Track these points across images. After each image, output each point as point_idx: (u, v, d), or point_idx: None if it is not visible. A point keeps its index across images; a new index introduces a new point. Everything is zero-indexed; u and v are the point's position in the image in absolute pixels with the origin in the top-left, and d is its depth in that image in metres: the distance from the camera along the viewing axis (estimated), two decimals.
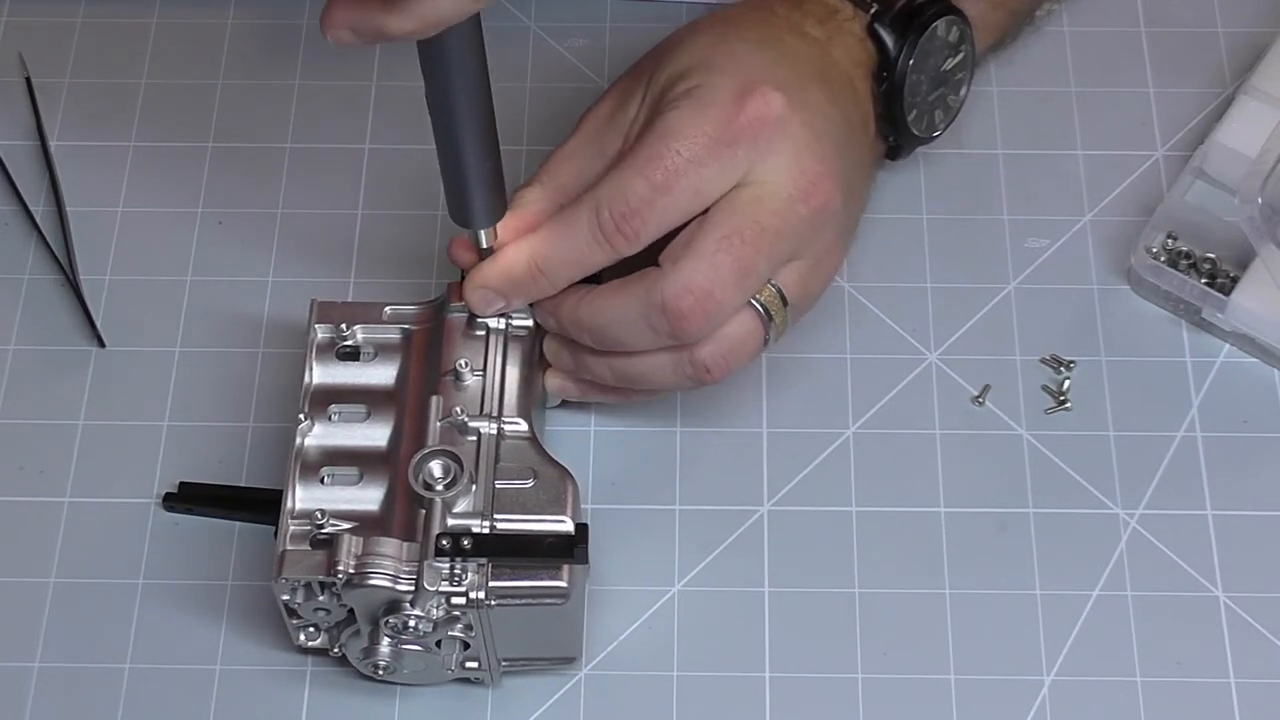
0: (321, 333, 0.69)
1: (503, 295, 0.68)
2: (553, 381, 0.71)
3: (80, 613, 0.71)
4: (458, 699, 0.69)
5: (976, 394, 0.75)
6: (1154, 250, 0.77)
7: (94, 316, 0.77)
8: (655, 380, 0.69)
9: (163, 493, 0.73)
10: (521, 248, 0.67)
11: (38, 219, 0.80)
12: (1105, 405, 0.75)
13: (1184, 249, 0.77)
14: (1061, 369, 0.75)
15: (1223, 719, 0.68)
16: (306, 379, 0.69)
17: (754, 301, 0.67)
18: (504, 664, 0.68)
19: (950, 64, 0.75)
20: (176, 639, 0.71)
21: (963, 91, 0.77)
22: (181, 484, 0.73)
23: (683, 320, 0.65)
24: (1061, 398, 0.75)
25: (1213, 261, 0.76)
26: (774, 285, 0.67)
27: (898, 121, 0.74)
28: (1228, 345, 0.76)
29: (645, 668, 0.70)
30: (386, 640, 0.65)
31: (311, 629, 0.67)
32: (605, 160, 0.68)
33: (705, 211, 0.66)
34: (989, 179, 0.80)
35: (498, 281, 0.67)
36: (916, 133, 0.75)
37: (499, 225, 0.67)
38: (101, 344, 0.77)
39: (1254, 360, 0.76)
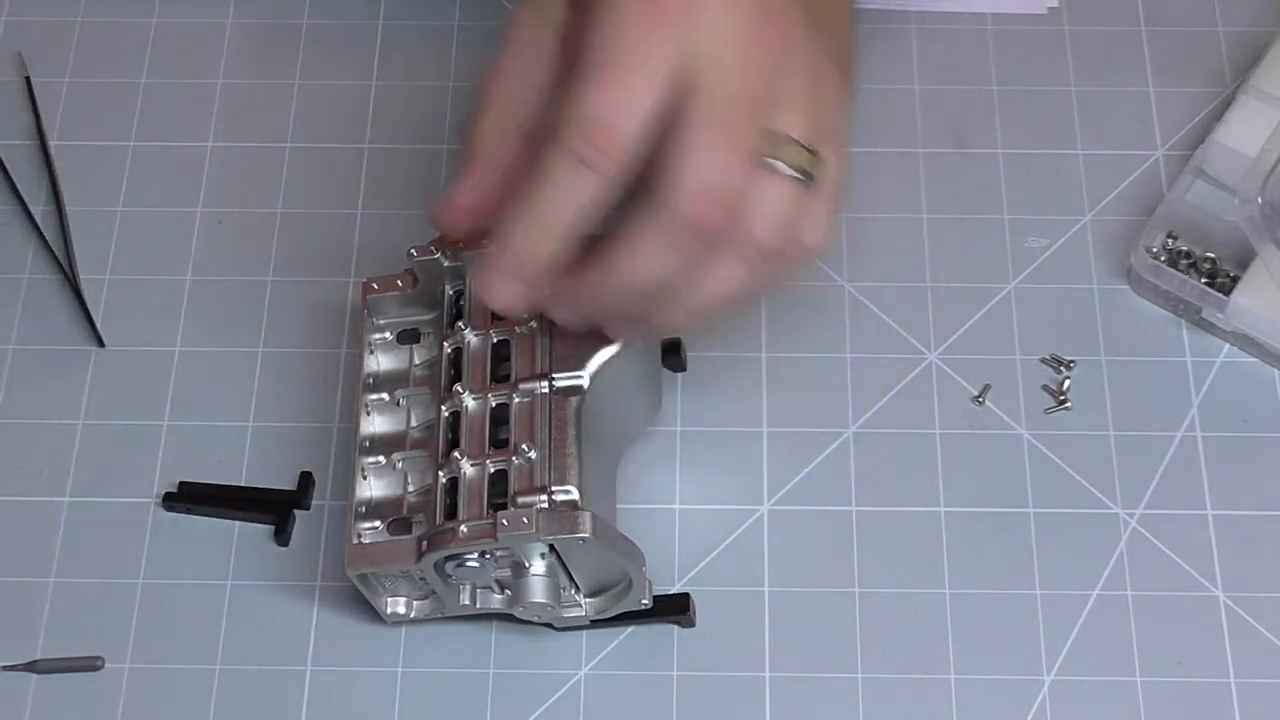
0: (375, 319, 0.70)
1: (517, 278, 0.62)
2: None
3: (80, 613, 0.71)
4: (458, 699, 0.69)
5: (976, 394, 0.75)
6: (1154, 250, 0.77)
7: (94, 316, 0.77)
8: (734, 291, 0.63)
9: (163, 493, 0.73)
10: (508, 222, 0.61)
11: (38, 219, 0.80)
12: (1105, 405, 0.75)
13: (1184, 249, 0.77)
14: (1061, 369, 0.75)
15: (1223, 719, 0.68)
16: (366, 368, 0.69)
17: (776, 164, 0.61)
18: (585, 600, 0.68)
19: None
20: (176, 639, 0.71)
21: None
22: (181, 484, 0.73)
23: (707, 225, 0.59)
24: (1061, 397, 0.75)
25: (1213, 261, 0.76)
26: (789, 139, 0.61)
27: None
28: (1228, 345, 0.76)
29: (645, 668, 0.70)
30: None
31: (402, 601, 0.68)
32: (546, 63, 0.63)
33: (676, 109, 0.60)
34: (989, 179, 0.80)
35: (503, 266, 0.62)
36: None
37: (473, 182, 0.64)
38: (101, 344, 0.77)
39: (1254, 360, 0.76)
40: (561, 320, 0.65)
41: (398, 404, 0.69)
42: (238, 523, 0.73)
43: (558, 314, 0.65)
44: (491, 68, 0.64)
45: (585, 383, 0.65)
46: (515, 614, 0.67)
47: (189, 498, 0.73)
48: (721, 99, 0.60)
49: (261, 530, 0.73)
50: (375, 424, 0.69)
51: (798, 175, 0.61)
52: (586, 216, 0.60)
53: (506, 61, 0.64)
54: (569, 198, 0.60)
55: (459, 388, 0.66)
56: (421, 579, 0.66)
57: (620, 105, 0.59)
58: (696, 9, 0.60)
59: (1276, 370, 0.75)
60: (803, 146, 0.61)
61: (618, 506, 0.71)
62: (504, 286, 0.62)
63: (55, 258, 0.79)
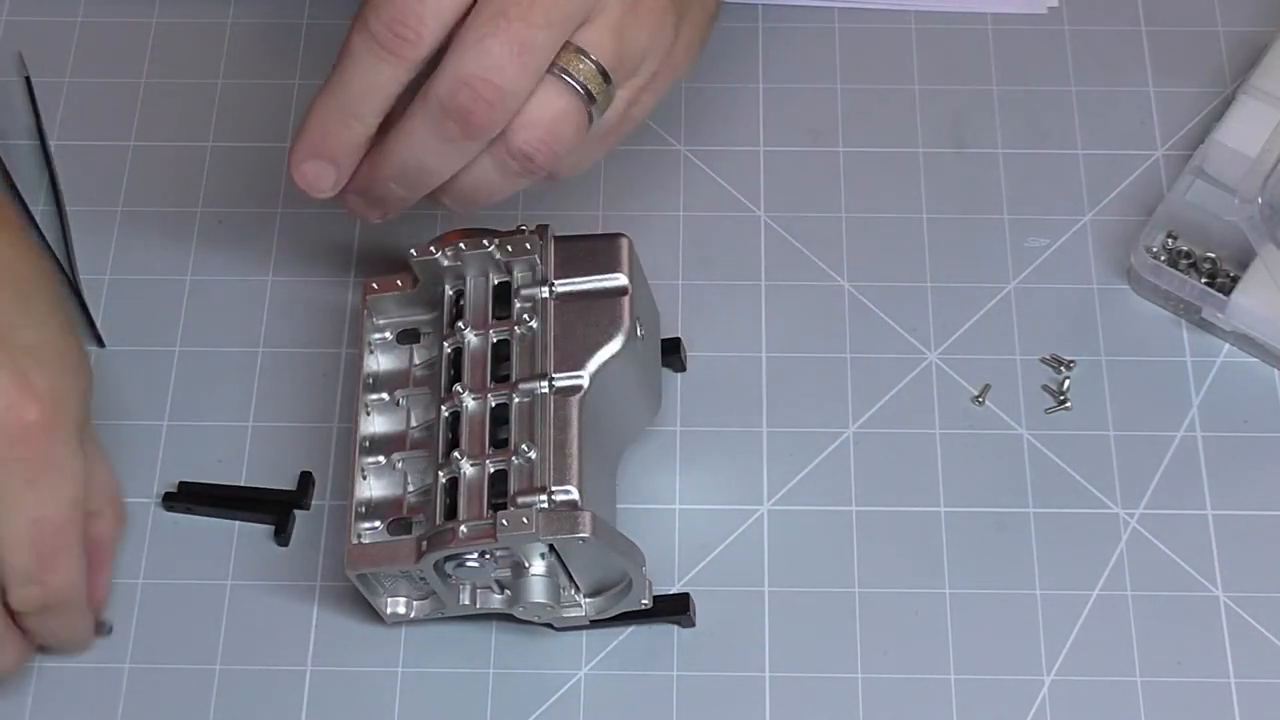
0: (374, 319, 0.70)
1: (326, 159, 0.64)
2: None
3: None
4: (458, 699, 0.69)
5: (976, 394, 0.75)
6: (1154, 250, 0.77)
7: (94, 316, 0.77)
8: (487, 189, 0.65)
9: (163, 493, 0.73)
10: (314, 104, 0.63)
11: (38, 219, 0.80)
12: (1105, 405, 0.75)
13: (1184, 249, 0.77)
14: (1061, 369, 0.75)
15: (1223, 719, 0.68)
16: (366, 368, 0.69)
17: (561, 75, 0.62)
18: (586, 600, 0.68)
19: None
20: (176, 639, 0.71)
21: None
22: (181, 484, 0.73)
23: (469, 116, 0.60)
24: (1061, 397, 0.75)
25: (1213, 261, 0.76)
26: (584, 54, 0.62)
27: None
28: (1228, 345, 0.76)
29: (645, 668, 0.70)
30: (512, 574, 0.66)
31: (402, 601, 0.68)
32: None
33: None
34: (989, 179, 0.80)
35: (310, 146, 0.63)
36: None
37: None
38: (101, 344, 0.77)
39: (1254, 360, 0.76)
40: (353, 209, 0.67)
41: (398, 404, 0.69)
42: (238, 523, 0.73)
43: (350, 203, 0.67)
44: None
45: (585, 383, 0.65)
46: (515, 614, 0.67)
47: (189, 498, 0.73)
48: None
49: (261, 530, 0.73)
50: (375, 424, 0.69)
51: (579, 92, 0.62)
52: (383, 100, 0.61)
53: None
54: (367, 81, 0.61)
55: (459, 388, 0.66)
56: (421, 579, 0.66)
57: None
58: None
59: (1276, 370, 0.75)
60: (598, 68, 0.62)
61: (618, 506, 0.71)
62: (308, 166, 0.64)
63: (55, 258, 0.79)
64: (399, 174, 0.64)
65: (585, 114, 0.63)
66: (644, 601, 0.67)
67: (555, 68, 0.62)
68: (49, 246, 0.79)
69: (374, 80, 0.61)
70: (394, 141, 0.63)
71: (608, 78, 0.62)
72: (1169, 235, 0.77)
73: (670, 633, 0.70)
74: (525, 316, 0.67)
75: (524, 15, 0.60)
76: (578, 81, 0.62)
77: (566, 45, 0.62)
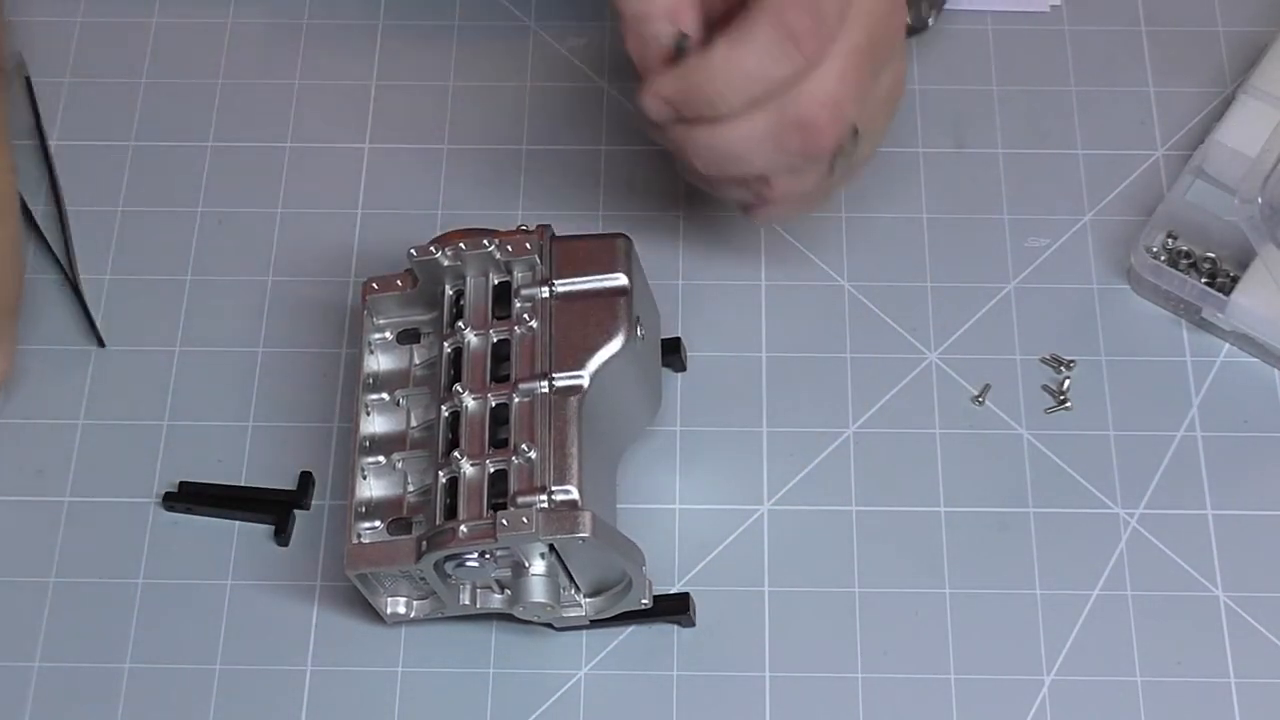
0: (374, 319, 0.70)
1: (674, 109, 0.65)
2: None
3: (80, 613, 0.71)
4: (458, 699, 0.69)
5: (976, 394, 0.75)
6: (1154, 250, 0.77)
7: (94, 316, 0.77)
8: (748, 149, 0.66)
9: (163, 493, 0.73)
10: (695, 64, 0.63)
11: (38, 219, 0.80)
12: (1105, 405, 0.75)
13: (1184, 249, 0.77)
14: (1061, 369, 0.75)
15: (1223, 719, 0.68)
16: (366, 368, 0.69)
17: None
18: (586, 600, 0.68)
19: None
20: (176, 639, 0.71)
21: None
22: (181, 484, 0.73)
23: (819, 135, 0.63)
24: (1061, 397, 0.75)
25: (1213, 261, 0.76)
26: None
27: None
28: (1228, 345, 0.76)
29: (645, 668, 0.70)
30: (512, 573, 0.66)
31: (402, 601, 0.68)
32: None
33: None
34: (989, 179, 0.80)
35: (673, 93, 0.64)
36: (911, 23, 0.74)
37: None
38: (101, 344, 0.77)
39: (1254, 360, 0.76)
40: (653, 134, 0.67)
41: (398, 404, 0.69)
42: (238, 523, 0.73)
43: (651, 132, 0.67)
44: None
45: (585, 382, 0.65)
46: (515, 614, 0.67)
47: (189, 498, 0.73)
48: (876, 35, 0.63)
49: (261, 530, 0.73)
50: (375, 424, 0.69)
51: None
52: (762, 85, 0.62)
53: None
54: (759, 71, 0.62)
55: (459, 388, 0.66)
56: (421, 579, 0.66)
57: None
58: None
59: (1276, 370, 0.75)
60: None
61: (618, 506, 0.71)
62: (660, 107, 0.64)
63: (55, 258, 0.79)
64: (709, 157, 0.65)
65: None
66: (644, 601, 0.67)
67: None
68: (49, 246, 0.79)
69: (767, 71, 0.62)
70: (726, 137, 0.64)
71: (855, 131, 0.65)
72: (1169, 235, 0.77)
73: (670, 633, 0.70)
74: (525, 316, 0.67)
75: (872, 51, 0.64)
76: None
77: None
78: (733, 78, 0.63)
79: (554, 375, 0.65)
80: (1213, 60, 0.83)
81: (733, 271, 0.78)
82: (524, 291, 0.67)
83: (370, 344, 0.70)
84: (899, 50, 0.67)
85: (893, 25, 0.65)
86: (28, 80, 0.83)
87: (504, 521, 0.62)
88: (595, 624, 0.69)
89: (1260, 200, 0.71)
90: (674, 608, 0.70)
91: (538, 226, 0.68)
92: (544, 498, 0.63)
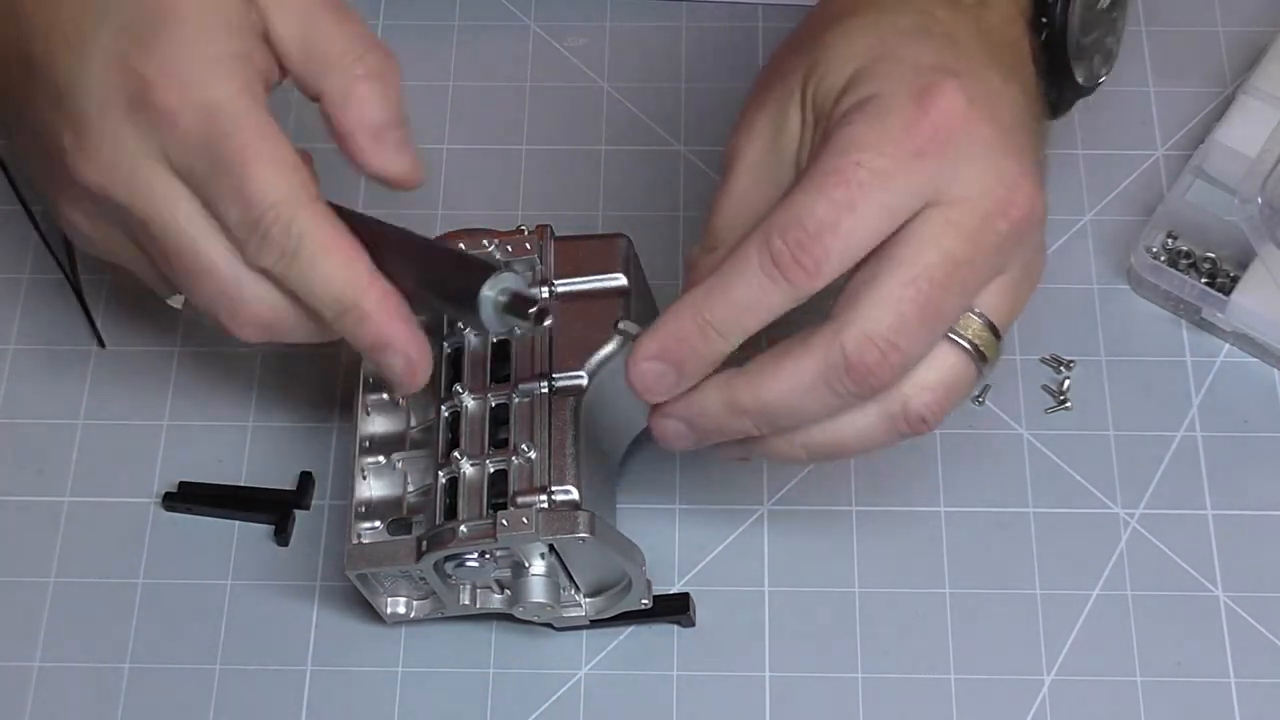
0: None
1: (673, 365, 0.59)
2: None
3: (80, 613, 0.71)
4: (458, 699, 0.69)
5: (976, 394, 0.75)
6: (1154, 250, 0.77)
7: (94, 316, 0.77)
8: (862, 444, 0.60)
9: (163, 493, 0.73)
10: (683, 303, 0.58)
11: (38, 219, 0.80)
12: (1105, 405, 0.75)
13: (1184, 249, 0.77)
14: (1061, 369, 0.75)
15: (1223, 719, 0.68)
16: (366, 367, 0.69)
17: (957, 338, 0.59)
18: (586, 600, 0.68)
19: (1106, 1, 0.67)
20: (176, 639, 0.71)
21: (1120, 27, 0.69)
22: (181, 484, 0.73)
23: (869, 376, 0.57)
24: (1061, 397, 0.75)
25: (1213, 261, 0.76)
26: (978, 315, 0.59)
27: (1060, 73, 0.66)
28: (1228, 345, 0.76)
29: (645, 668, 0.70)
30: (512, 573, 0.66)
31: (402, 601, 0.68)
32: (779, 194, 0.59)
33: (880, 247, 0.57)
34: None
35: (661, 348, 0.58)
36: (1081, 81, 0.67)
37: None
38: (101, 344, 0.77)
39: (1254, 360, 0.76)
40: (664, 433, 0.62)
41: (397, 404, 0.69)
42: (238, 523, 0.73)
43: (663, 428, 0.62)
44: (718, 197, 0.61)
45: (585, 383, 0.65)
46: (515, 614, 0.67)
47: (189, 498, 0.73)
48: (945, 260, 0.57)
49: (261, 530, 0.73)
50: (375, 424, 0.69)
51: (972, 353, 0.59)
52: (756, 323, 0.57)
53: (735, 189, 0.61)
54: (749, 298, 0.57)
55: (459, 388, 0.66)
56: (421, 579, 0.66)
57: (844, 229, 0.56)
58: (960, 142, 0.57)
59: (1276, 370, 0.75)
60: (988, 327, 0.59)
61: (618, 506, 0.71)
62: (650, 366, 0.59)
63: (55, 258, 0.79)
64: (763, 411, 0.59)
65: (976, 372, 0.60)
66: (644, 601, 0.67)
67: (952, 331, 0.59)
68: (49, 246, 0.79)
69: (756, 300, 0.57)
70: (771, 379, 0.58)
71: (997, 334, 0.60)
72: (1169, 235, 0.77)
73: (670, 633, 0.70)
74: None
75: (945, 281, 0.57)
76: (970, 342, 0.59)
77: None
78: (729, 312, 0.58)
79: (554, 375, 0.65)
80: (1213, 60, 0.83)
81: None
82: None
83: None
84: (1027, 247, 0.59)
85: (993, 233, 0.57)
86: None
87: (504, 521, 0.62)
88: (595, 624, 0.69)
89: (1260, 200, 0.71)
90: (674, 608, 0.70)
91: (538, 226, 0.68)
92: (544, 498, 0.63)
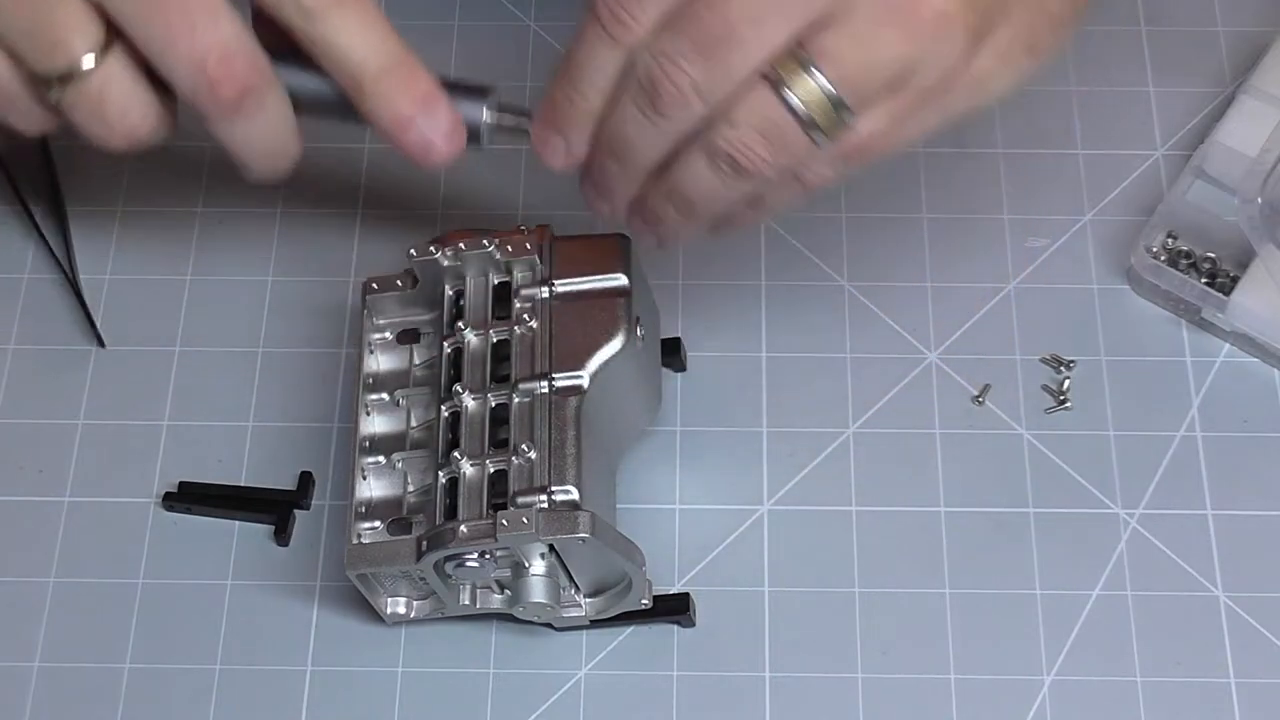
0: (374, 319, 0.70)
1: (557, 130, 0.62)
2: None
3: (80, 613, 0.71)
4: (458, 699, 0.69)
5: (976, 394, 0.75)
6: (1154, 250, 0.77)
7: (94, 316, 0.77)
8: (703, 191, 0.61)
9: (163, 493, 0.73)
10: (552, 80, 0.62)
11: (38, 219, 0.80)
12: (1105, 405, 0.75)
13: (1184, 249, 0.77)
14: (1061, 369, 0.75)
15: (1223, 719, 0.68)
16: (366, 368, 0.69)
17: (778, 86, 0.57)
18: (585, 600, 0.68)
19: None
20: (176, 639, 0.71)
21: None
22: (181, 484, 0.73)
23: (656, 93, 0.58)
24: (1061, 397, 0.75)
25: (1213, 261, 0.76)
26: (811, 69, 0.57)
27: None
28: (1228, 345, 0.76)
29: (645, 668, 0.70)
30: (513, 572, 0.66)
31: (402, 601, 0.68)
32: None
33: None
34: (989, 179, 0.80)
35: (545, 118, 0.62)
36: None
37: None
38: (101, 344, 0.77)
39: (1254, 360, 0.76)
40: (635, 227, 0.65)
41: (398, 404, 0.69)
42: (238, 523, 0.73)
43: (633, 223, 0.64)
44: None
45: (585, 383, 0.65)
46: (515, 614, 0.67)
47: (189, 498, 0.73)
48: None
49: (261, 530, 0.73)
50: (375, 424, 0.69)
51: (792, 112, 0.58)
52: (600, 77, 0.60)
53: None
54: (586, 57, 0.60)
55: (459, 388, 0.66)
56: (421, 579, 0.66)
57: None
58: None
59: (1276, 370, 0.75)
60: (824, 90, 0.57)
61: (618, 506, 0.71)
62: (539, 132, 0.63)
63: (55, 258, 0.79)
64: (610, 147, 0.61)
65: (800, 133, 0.58)
66: (644, 601, 0.67)
67: (775, 73, 0.57)
68: (49, 246, 0.79)
69: (592, 58, 0.60)
70: (608, 113, 0.61)
71: (839, 102, 0.57)
72: (1169, 235, 0.77)
73: (670, 633, 0.70)
74: (525, 316, 0.67)
75: (719, 7, 0.57)
76: (794, 99, 0.57)
77: (796, 51, 0.57)
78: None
79: (554, 375, 0.65)
80: (1213, 60, 0.83)
81: (733, 271, 0.78)
82: (524, 292, 0.67)
83: (370, 344, 0.70)
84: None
85: None
86: None
87: (504, 521, 0.62)
88: (595, 624, 0.69)
89: (1260, 200, 0.71)
90: (674, 608, 0.70)
91: (538, 226, 0.68)
92: (544, 498, 0.63)
